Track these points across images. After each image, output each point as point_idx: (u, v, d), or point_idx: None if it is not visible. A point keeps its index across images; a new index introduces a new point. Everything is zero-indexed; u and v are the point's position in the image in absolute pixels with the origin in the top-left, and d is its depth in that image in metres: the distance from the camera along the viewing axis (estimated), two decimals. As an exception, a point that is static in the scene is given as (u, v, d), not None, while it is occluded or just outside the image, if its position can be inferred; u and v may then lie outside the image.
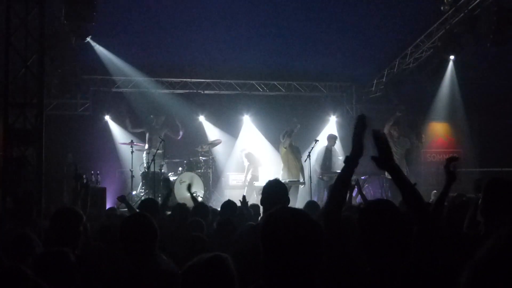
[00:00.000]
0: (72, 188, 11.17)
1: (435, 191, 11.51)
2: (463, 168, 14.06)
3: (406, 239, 2.79)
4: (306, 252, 2.21)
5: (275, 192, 4.39)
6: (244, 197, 7.13)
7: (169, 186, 8.30)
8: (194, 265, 2.60)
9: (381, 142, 2.87)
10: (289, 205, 11.10)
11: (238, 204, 6.92)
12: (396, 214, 2.85)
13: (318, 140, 12.83)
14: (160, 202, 8.54)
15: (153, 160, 12.74)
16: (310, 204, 6.97)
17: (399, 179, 2.88)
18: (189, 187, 7.99)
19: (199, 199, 10.77)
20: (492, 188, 3.75)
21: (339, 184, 3.03)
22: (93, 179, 12.65)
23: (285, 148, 12.58)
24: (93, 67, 14.16)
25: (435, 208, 4.26)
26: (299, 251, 2.20)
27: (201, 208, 6.45)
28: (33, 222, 6.65)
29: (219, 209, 7.26)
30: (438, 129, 16.71)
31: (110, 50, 13.55)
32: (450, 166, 4.09)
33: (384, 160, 2.86)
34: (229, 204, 6.39)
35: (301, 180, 12.41)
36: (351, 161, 2.98)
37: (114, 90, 15.36)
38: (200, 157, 14.26)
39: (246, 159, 14.70)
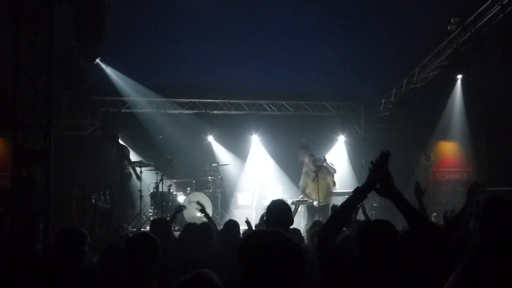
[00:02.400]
0: (81, 208, 11.23)
1: (434, 213, 11.38)
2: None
3: (404, 259, 2.77)
4: (284, 273, 2.21)
5: (278, 211, 4.39)
6: (247, 219, 7.68)
7: (180, 209, 8.37)
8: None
9: (383, 172, 2.87)
10: (303, 225, 11.00)
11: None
12: (393, 233, 2.84)
13: (325, 159, 12.73)
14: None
15: (161, 180, 12.78)
16: (315, 225, 6.98)
17: (401, 204, 2.86)
18: (202, 210, 7.94)
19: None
20: (491, 206, 3.77)
21: (342, 212, 3.00)
22: (102, 199, 12.67)
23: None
24: (102, 88, 14.28)
25: (447, 228, 4.26)
26: (276, 272, 2.20)
27: (204, 228, 6.44)
28: (40, 241, 6.68)
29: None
30: (447, 148, 16.61)
31: (119, 71, 13.69)
32: (474, 192, 4.11)
33: (385, 189, 2.87)
34: (230, 224, 6.43)
35: (310, 200, 12.15)
36: (360, 194, 2.97)
37: (123, 110, 15.48)
38: (209, 177, 14.28)
39: (254, 183, 14.75)
